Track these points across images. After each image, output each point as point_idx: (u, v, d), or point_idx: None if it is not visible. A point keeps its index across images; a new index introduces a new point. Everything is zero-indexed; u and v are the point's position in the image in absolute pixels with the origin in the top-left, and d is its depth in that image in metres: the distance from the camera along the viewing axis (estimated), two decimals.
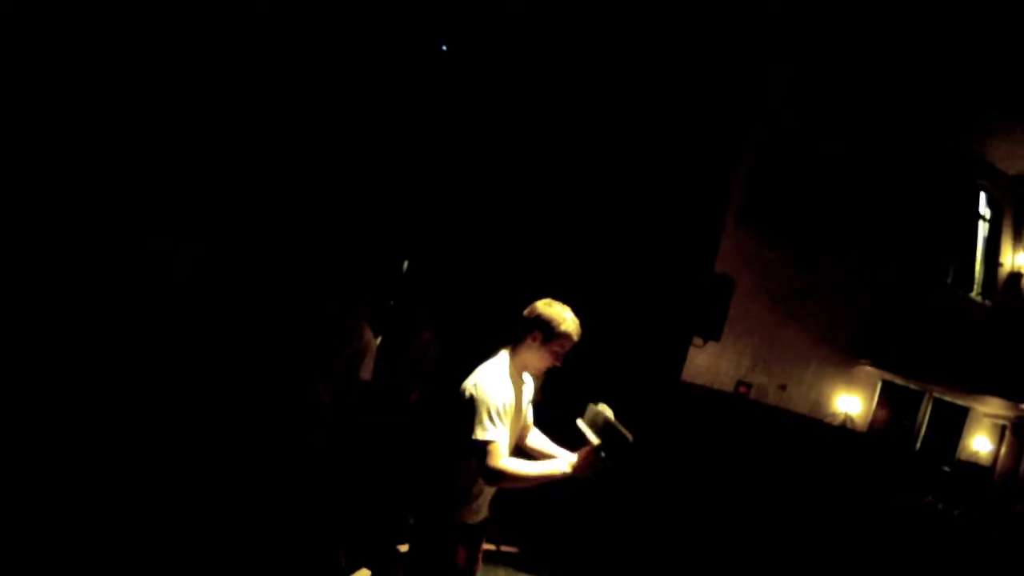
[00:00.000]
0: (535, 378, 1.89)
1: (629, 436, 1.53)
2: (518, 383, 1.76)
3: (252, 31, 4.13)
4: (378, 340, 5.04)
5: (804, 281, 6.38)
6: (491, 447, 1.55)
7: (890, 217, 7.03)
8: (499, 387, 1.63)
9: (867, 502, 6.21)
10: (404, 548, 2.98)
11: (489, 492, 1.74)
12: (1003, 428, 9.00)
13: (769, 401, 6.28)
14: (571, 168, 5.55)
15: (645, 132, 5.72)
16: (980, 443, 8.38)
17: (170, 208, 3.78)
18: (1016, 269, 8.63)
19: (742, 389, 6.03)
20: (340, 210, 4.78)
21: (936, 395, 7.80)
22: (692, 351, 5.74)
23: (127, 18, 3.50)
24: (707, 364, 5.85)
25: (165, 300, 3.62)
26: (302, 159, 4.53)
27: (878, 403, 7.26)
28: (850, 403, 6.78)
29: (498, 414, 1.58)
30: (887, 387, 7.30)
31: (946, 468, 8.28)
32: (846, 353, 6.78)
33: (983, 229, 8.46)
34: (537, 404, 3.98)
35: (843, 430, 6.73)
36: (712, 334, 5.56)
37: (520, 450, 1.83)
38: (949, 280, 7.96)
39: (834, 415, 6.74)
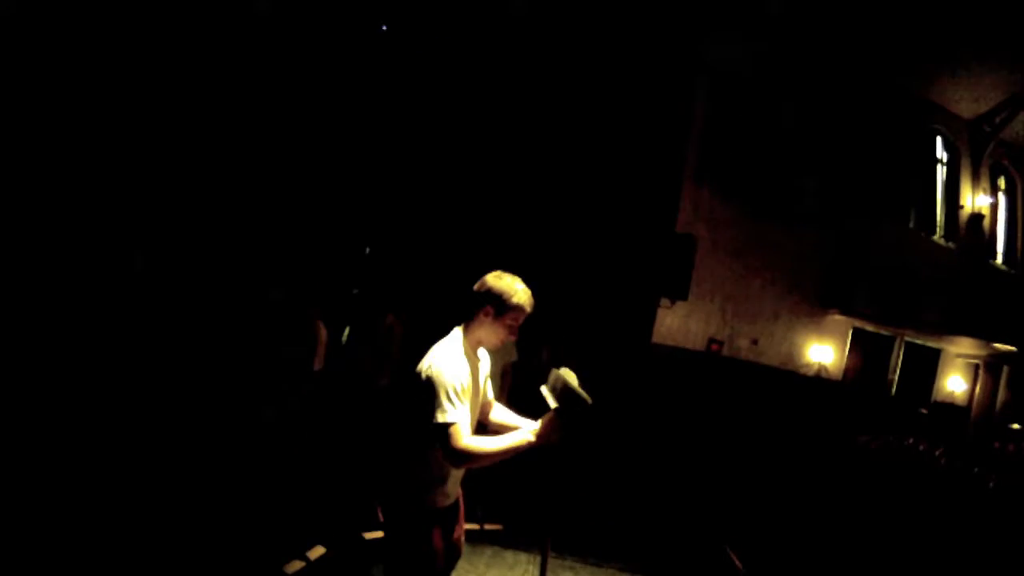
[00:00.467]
0: (495, 353, 1.85)
1: (587, 398, 1.50)
2: (474, 360, 1.72)
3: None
4: (347, 330, 5.00)
5: (767, 234, 6.42)
6: (452, 429, 1.51)
7: (848, 166, 7.09)
8: (454, 366, 1.59)
9: (846, 448, 6.30)
10: (371, 535, 2.96)
11: (457, 473, 1.71)
12: (976, 367, 9.21)
13: (742, 356, 6.33)
14: (528, 140, 5.50)
15: (596, 101, 5.68)
16: (955, 383, 8.56)
17: (114, 200, 3.69)
18: (977, 210, 8.80)
19: (714, 347, 6.06)
20: (290, 200, 4.69)
21: (907, 339, 7.94)
22: (661, 313, 5.75)
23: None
24: (677, 324, 5.87)
25: (116, 292, 3.56)
26: (255, 152, 4.43)
27: (850, 351, 7.37)
28: (823, 352, 6.86)
29: (456, 394, 1.54)
30: (858, 334, 7.41)
31: (923, 410, 8.45)
32: (815, 303, 6.86)
33: (941, 173, 8.60)
34: (512, 376, 3.93)
35: (818, 379, 6.82)
36: (679, 294, 5.57)
37: (484, 427, 1.79)
38: (911, 224, 8.08)
39: (808, 365, 6.82)
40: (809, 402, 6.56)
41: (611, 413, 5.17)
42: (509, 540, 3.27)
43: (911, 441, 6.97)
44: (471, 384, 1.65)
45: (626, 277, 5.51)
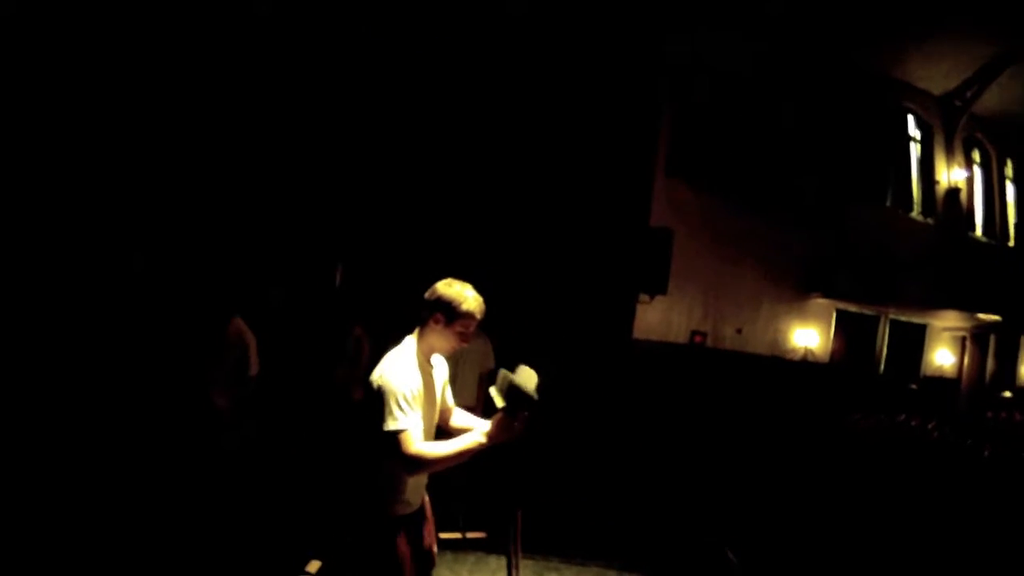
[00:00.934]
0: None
1: (534, 395, 1.52)
2: (426, 367, 1.73)
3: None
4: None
5: (744, 224, 6.44)
6: (402, 436, 1.51)
7: (821, 149, 7.12)
8: (404, 374, 1.59)
9: (837, 429, 6.30)
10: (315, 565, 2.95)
11: (416, 481, 1.71)
12: (963, 339, 9.28)
13: (727, 346, 6.35)
14: (496, 139, 5.47)
15: (565, 99, 5.67)
16: (943, 357, 8.62)
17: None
18: (953, 185, 8.87)
19: (697, 339, 6.07)
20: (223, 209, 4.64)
21: (892, 317, 7.99)
22: (642, 308, 5.75)
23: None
24: (659, 319, 5.88)
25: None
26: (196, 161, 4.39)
27: (835, 333, 7.40)
28: (808, 336, 6.89)
29: (406, 401, 1.55)
30: (842, 316, 7.44)
31: (913, 386, 8.51)
32: (796, 288, 6.89)
33: (915, 150, 8.66)
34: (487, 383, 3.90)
35: (805, 364, 6.84)
36: (657, 288, 5.56)
37: (448, 434, 1.79)
38: (888, 203, 8.14)
39: (794, 350, 6.85)
40: (797, 387, 6.58)
41: (594, 411, 5.17)
42: (492, 547, 3.24)
43: (903, 417, 7.00)
44: (423, 391, 1.65)
45: (603, 274, 5.50)
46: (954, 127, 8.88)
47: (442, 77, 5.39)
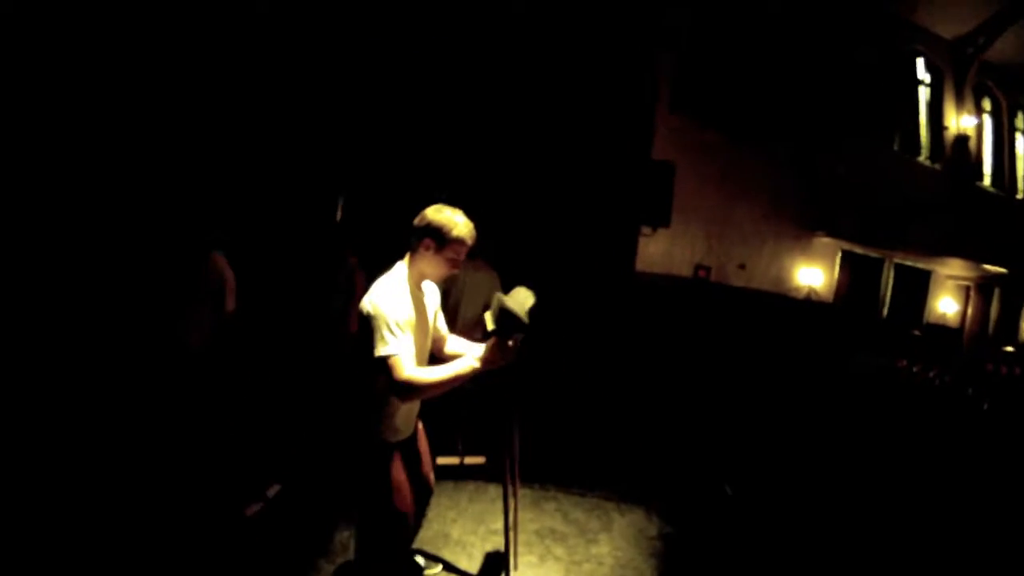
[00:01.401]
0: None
1: (523, 317, 1.52)
2: (417, 294, 1.72)
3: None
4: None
5: (749, 159, 6.39)
6: (393, 360, 1.50)
7: (829, 88, 7.00)
8: (395, 299, 1.58)
9: (839, 369, 6.33)
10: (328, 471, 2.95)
11: (407, 408, 1.71)
12: (967, 289, 9.25)
13: (730, 282, 6.36)
14: (498, 71, 5.40)
15: (566, 29, 5.59)
16: (946, 305, 8.60)
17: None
18: (962, 131, 8.72)
19: (701, 273, 6.08)
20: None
21: (897, 261, 7.96)
22: (644, 241, 5.76)
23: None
24: (662, 252, 5.89)
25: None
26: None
27: (840, 273, 7.39)
28: (812, 275, 6.89)
29: (397, 326, 1.53)
30: (847, 256, 7.42)
31: (916, 332, 8.52)
32: (801, 226, 6.86)
33: (924, 94, 8.51)
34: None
35: (808, 302, 6.85)
36: (660, 221, 5.57)
37: (441, 361, 1.76)
38: (896, 147, 8.03)
39: (797, 289, 6.85)
40: (800, 325, 6.60)
41: (596, 341, 5.22)
42: (492, 474, 3.22)
43: (904, 363, 7.03)
44: (415, 316, 1.65)
45: (605, 206, 5.50)
46: (965, 74, 8.69)
47: (444, 11, 5.31)
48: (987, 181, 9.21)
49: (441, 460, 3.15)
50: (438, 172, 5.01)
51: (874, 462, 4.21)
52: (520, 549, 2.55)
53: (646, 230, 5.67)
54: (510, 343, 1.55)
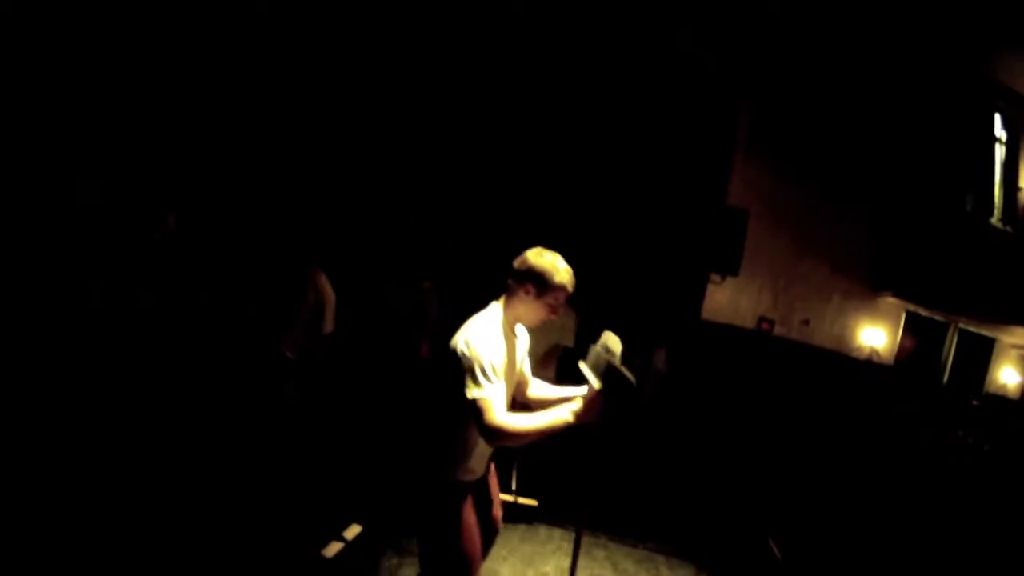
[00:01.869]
0: (544, 332, 1.81)
1: (632, 378, 1.44)
2: (510, 337, 1.68)
3: None
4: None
5: (820, 212, 6.18)
6: (485, 404, 1.47)
7: (904, 143, 6.79)
8: (491, 342, 1.54)
9: (896, 435, 6.06)
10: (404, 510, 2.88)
11: (483, 450, 1.66)
12: None
13: (792, 337, 6.11)
14: (579, 109, 5.35)
15: (650, 70, 5.50)
16: (1008, 375, 8.17)
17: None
18: None
19: (764, 326, 5.86)
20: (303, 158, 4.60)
21: (962, 326, 7.60)
22: (711, 288, 5.57)
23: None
24: (727, 301, 5.69)
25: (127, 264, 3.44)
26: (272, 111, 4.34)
27: (903, 335, 7.07)
28: (875, 336, 6.59)
29: (492, 370, 1.50)
30: (911, 318, 7.10)
31: (975, 401, 8.11)
32: (868, 285, 6.59)
33: (1000, 152, 8.18)
34: (566, 351, 3.79)
35: (869, 364, 6.55)
36: (729, 269, 5.38)
37: (524, 406, 1.75)
38: (968, 207, 7.69)
39: (859, 349, 6.56)
40: (860, 386, 6.31)
41: (662, 389, 5.03)
42: (543, 516, 3.21)
43: (960, 433, 6.69)
44: (507, 361, 1.60)
45: (676, 251, 5.35)
46: None
47: (534, 52, 5.26)
48: None
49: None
50: (515, 209, 4.94)
51: (923, 530, 4.06)
52: None
53: (715, 278, 5.47)
54: (612, 405, 1.49)
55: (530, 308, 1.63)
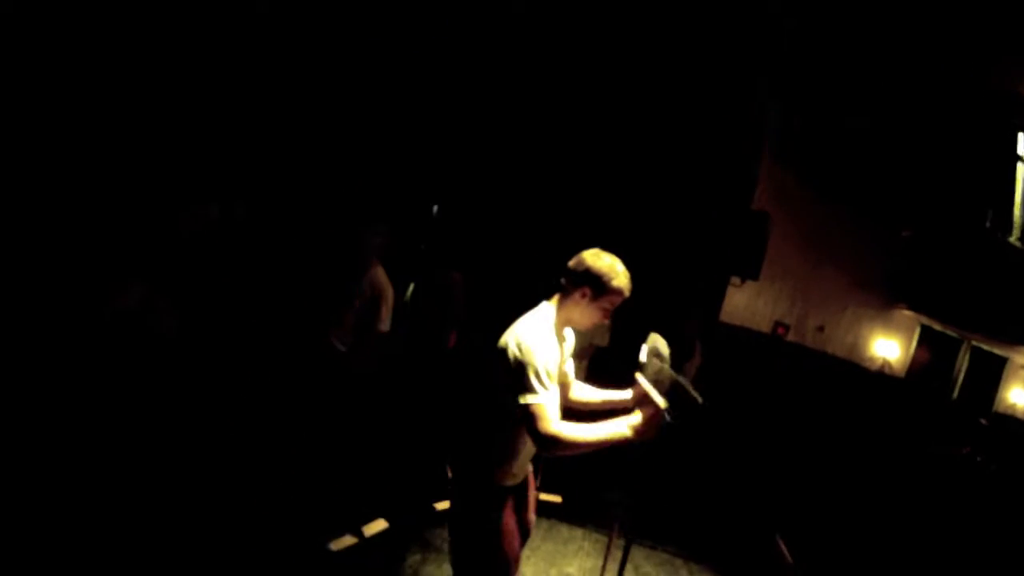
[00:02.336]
0: (577, 332, 1.75)
1: (699, 399, 1.44)
2: (561, 339, 1.64)
3: None
4: (411, 286, 4.96)
5: (841, 221, 6.20)
6: (539, 410, 1.42)
7: (927, 159, 6.79)
8: (545, 345, 1.49)
9: (903, 449, 6.08)
10: (441, 506, 2.87)
11: (528, 454, 1.64)
12: None
13: (807, 343, 6.14)
14: (606, 108, 5.38)
15: (680, 72, 5.53)
16: (1018, 396, 8.15)
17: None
18: None
19: (780, 330, 5.89)
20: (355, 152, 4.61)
21: (975, 343, 7.59)
22: (730, 291, 5.60)
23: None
24: (744, 304, 5.72)
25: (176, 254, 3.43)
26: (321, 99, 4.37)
27: (916, 349, 7.08)
28: (888, 348, 6.61)
29: (547, 374, 1.45)
30: (926, 332, 7.11)
31: (983, 420, 8.10)
32: (884, 296, 6.60)
33: (1022, 172, 8.16)
34: (591, 360, 3.78)
35: (881, 375, 6.57)
36: (750, 273, 5.41)
37: (565, 409, 1.71)
38: (988, 224, 7.69)
39: (872, 359, 6.58)
40: (871, 397, 6.33)
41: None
42: (566, 514, 3.20)
43: (968, 450, 6.70)
44: (559, 364, 1.58)
45: (699, 251, 5.37)
46: None
47: (566, 52, 5.28)
48: None
49: None
50: (546, 206, 4.98)
51: (928, 542, 4.11)
52: None
53: (735, 280, 5.51)
54: (676, 423, 1.45)
55: (584, 311, 1.58)
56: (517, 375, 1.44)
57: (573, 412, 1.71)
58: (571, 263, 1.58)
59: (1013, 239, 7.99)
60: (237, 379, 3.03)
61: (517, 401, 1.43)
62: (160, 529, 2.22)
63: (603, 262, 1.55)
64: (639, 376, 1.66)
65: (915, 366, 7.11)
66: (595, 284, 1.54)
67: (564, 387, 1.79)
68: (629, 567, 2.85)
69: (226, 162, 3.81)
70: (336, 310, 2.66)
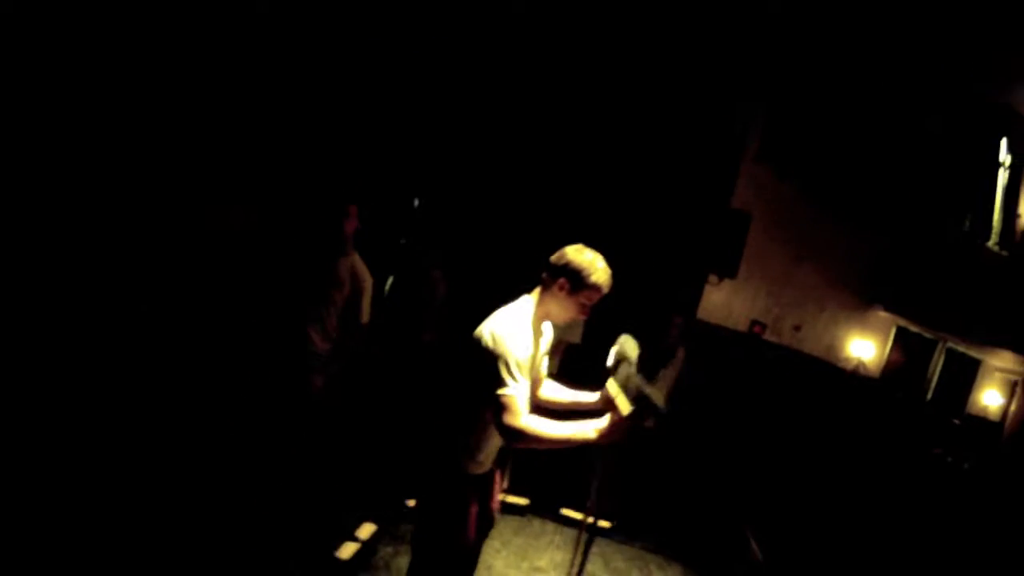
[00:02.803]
0: (556, 326, 1.74)
1: (663, 406, 1.45)
2: (538, 333, 1.65)
3: None
4: (390, 280, 4.95)
5: (821, 222, 6.25)
6: (510, 401, 1.44)
7: (909, 161, 6.86)
8: (519, 337, 1.50)
9: (876, 449, 6.19)
10: (413, 502, 2.88)
11: (495, 444, 1.65)
12: (1014, 384, 8.94)
13: (783, 342, 6.21)
14: (586, 105, 5.36)
15: (662, 70, 5.52)
16: (991, 397, 8.31)
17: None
18: None
19: (756, 328, 5.95)
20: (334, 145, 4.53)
21: (950, 345, 7.72)
22: (708, 289, 5.64)
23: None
24: (722, 302, 5.77)
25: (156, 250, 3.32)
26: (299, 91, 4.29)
27: (892, 350, 7.19)
28: (864, 348, 6.70)
29: (517, 366, 1.46)
30: (901, 333, 7.21)
31: (956, 421, 8.26)
32: (861, 296, 6.69)
33: (1003, 177, 8.26)
34: (563, 356, 3.79)
35: (856, 375, 6.67)
36: (728, 271, 5.45)
37: (534, 406, 1.72)
38: (966, 228, 7.79)
39: (847, 359, 6.67)
40: (846, 396, 6.43)
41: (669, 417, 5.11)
42: (538, 509, 3.24)
43: (940, 451, 6.84)
44: (532, 358, 1.58)
45: (678, 249, 5.40)
46: None
47: (546, 50, 5.23)
48: None
49: None
50: (524, 200, 4.97)
51: (900, 542, 4.21)
52: None
53: (712, 279, 5.55)
54: (639, 428, 1.47)
55: (562, 305, 1.59)
56: (489, 366, 1.45)
57: (542, 409, 1.72)
58: (553, 257, 1.60)
59: (991, 244, 8.11)
60: (217, 378, 2.98)
61: (488, 392, 1.45)
62: (136, 532, 2.20)
63: (584, 257, 1.57)
64: (610, 381, 1.69)
65: (890, 367, 7.22)
66: (574, 278, 1.55)
67: (536, 382, 1.80)
68: (599, 562, 2.91)
69: (215, 161, 3.74)
70: (315, 304, 2.56)
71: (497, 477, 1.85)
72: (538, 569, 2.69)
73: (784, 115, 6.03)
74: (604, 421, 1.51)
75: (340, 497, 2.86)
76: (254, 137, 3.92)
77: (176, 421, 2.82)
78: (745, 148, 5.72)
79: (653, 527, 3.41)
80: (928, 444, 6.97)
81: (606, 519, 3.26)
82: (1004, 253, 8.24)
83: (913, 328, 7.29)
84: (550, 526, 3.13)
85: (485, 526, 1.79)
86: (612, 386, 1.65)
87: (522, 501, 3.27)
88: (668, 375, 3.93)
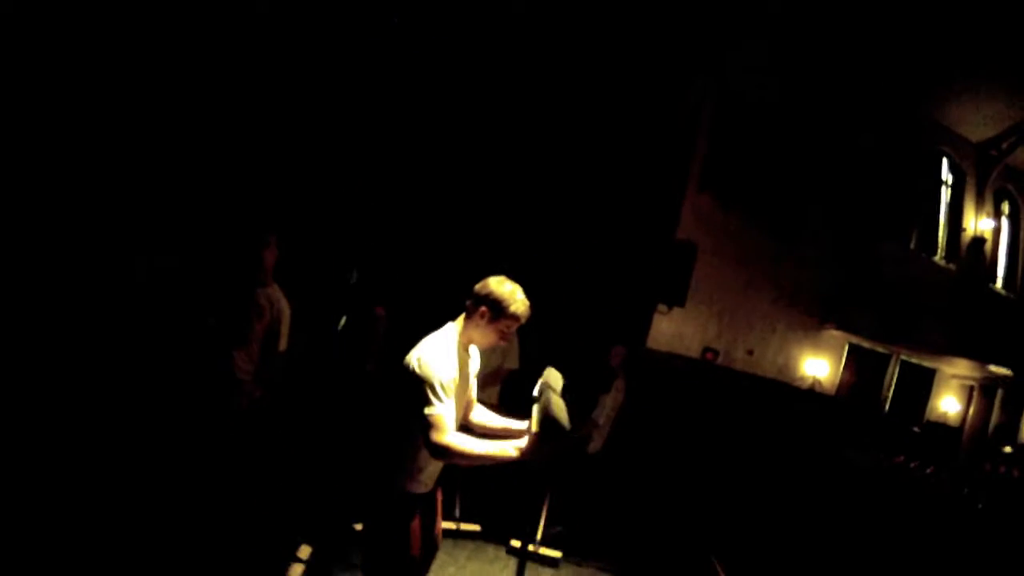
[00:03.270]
0: (492, 353, 1.84)
1: (566, 424, 1.54)
2: (463, 357, 1.75)
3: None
4: (343, 319, 5.07)
5: (768, 246, 6.46)
6: (437, 421, 1.54)
7: (853, 182, 7.13)
8: (444, 361, 1.61)
9: (838, 463, 6.32)
10: (361, 526, 2.95)
11: (434, 465, 1.74)
12: (971, 389, 9.22)
13: (737, 367, 6.37)
14: (531, 141, 5.53)
15: (602, 105, 5.72)
16: (948, 404, 8.58)
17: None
18: (979, 234, 8.82)
19: (708, 355, 6.10)
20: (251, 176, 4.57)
21: (903, 357, 7.97)
22: (657, 318, 5.79)
23: None
24: (673, 331, 5.91)
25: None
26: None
27: (846, 366, 7.40)
28: (818, 367, 6.89)
29: (442, 388, 1.57)
30: (854, 350, 7.43)
31: (915, 429, 8.49)
32: (812, 316, 6.89)
33: (946, 195, 8.62)
34: (503, 383, 3.92)
35: (812, 393, 6.85)
36: (676, 300, 5.60)
37: (464, 427, 1.81)
38: (912, 244, 8.11)
39: (802, 379, 6.85)
40: (801, 415, 6.59)
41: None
42: (491, 535, 3.27)
43: (902, 459, 7.01)
44: (459, 380, 1.68)
45: (625, 280, 5.55)
46: (987, 176, 8.83)
47: (479, 75, 5.41)
48: (999, 284, 9.26)
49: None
50: (468, 230, 5.08)
51: (866, 553, 4.24)
52: None
53: (661, 308, 5.70)
54: (548, 448, 1.56)
55: (483, 332, 1.70)
56: (417, 388, 1.56)
57: (475, 434, 1.79)
58: (476, 286, 1.72)
59: (937, 259, 8.44)
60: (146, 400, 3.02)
61: (415, 411, 1.55)
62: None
63: (504, 288, 1.69)
64: (535, 405, 1.77)
65: (845, 383, 7.43)
66: (494, 307, 1.67)
67: (468, 405, 1.91)
68: None
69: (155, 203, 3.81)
70: (237, 331, 2.64)
71: (439, 500, 1.92)
72: None
73: (727, 145, 6.25)
74: (524, 440, 1.61)
75: (282, 520, 2.88)
76: (173, 180, 4.00)
77: (103, 439, 2.83)
78: (689, 180, 5.93)
79: (607, 555, 3.42)
80: (890, 453, 7.12)
81: (555, 548, 3.33)
82: (951, 266, 8.57)
83: (866, 344, 7.51)
84: (503, 551, 3.18)
85: (430, 549, 1.86)
86: (534, 411, 1.75)
87: (474, 528, 3.33)
88: (607, 402, 4.05)
